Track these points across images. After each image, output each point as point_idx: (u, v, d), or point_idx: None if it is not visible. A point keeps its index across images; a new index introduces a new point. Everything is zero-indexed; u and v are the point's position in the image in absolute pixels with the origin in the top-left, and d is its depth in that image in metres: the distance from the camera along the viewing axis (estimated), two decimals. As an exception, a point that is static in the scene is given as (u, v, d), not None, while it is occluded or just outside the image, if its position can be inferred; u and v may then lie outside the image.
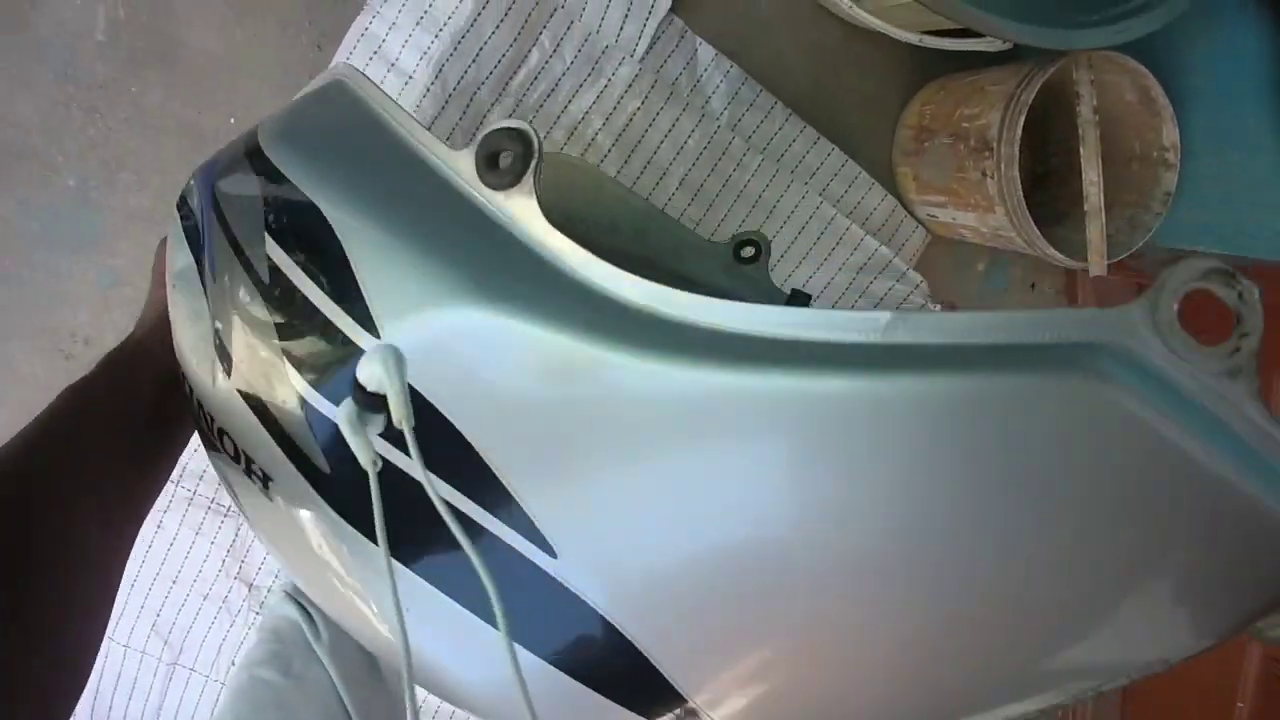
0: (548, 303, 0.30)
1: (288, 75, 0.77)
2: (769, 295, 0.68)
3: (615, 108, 0.77)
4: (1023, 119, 0.69)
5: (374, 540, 0.32)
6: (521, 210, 0.33)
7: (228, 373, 0.38)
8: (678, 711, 0.36)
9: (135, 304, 0.82)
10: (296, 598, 0.67)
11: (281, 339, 0.35)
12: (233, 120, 0.77)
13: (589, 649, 0.35)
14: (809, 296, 0.66)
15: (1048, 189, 0.87)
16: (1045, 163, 0.89)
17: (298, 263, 0.35)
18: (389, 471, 0.33)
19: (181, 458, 0.81)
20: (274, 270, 0.35)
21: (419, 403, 0.32)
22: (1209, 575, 0.28)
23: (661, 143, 0.79)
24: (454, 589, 0.36)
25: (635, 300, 0.30)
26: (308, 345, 0.35)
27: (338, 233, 0.33)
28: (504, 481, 0.33)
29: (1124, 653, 0.30)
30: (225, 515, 0.81)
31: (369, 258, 0.33)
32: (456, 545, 0.31)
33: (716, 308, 0.29)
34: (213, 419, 0.41)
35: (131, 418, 0.47)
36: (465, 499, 0.33)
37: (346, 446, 0.32)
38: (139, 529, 0.48)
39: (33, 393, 0.83)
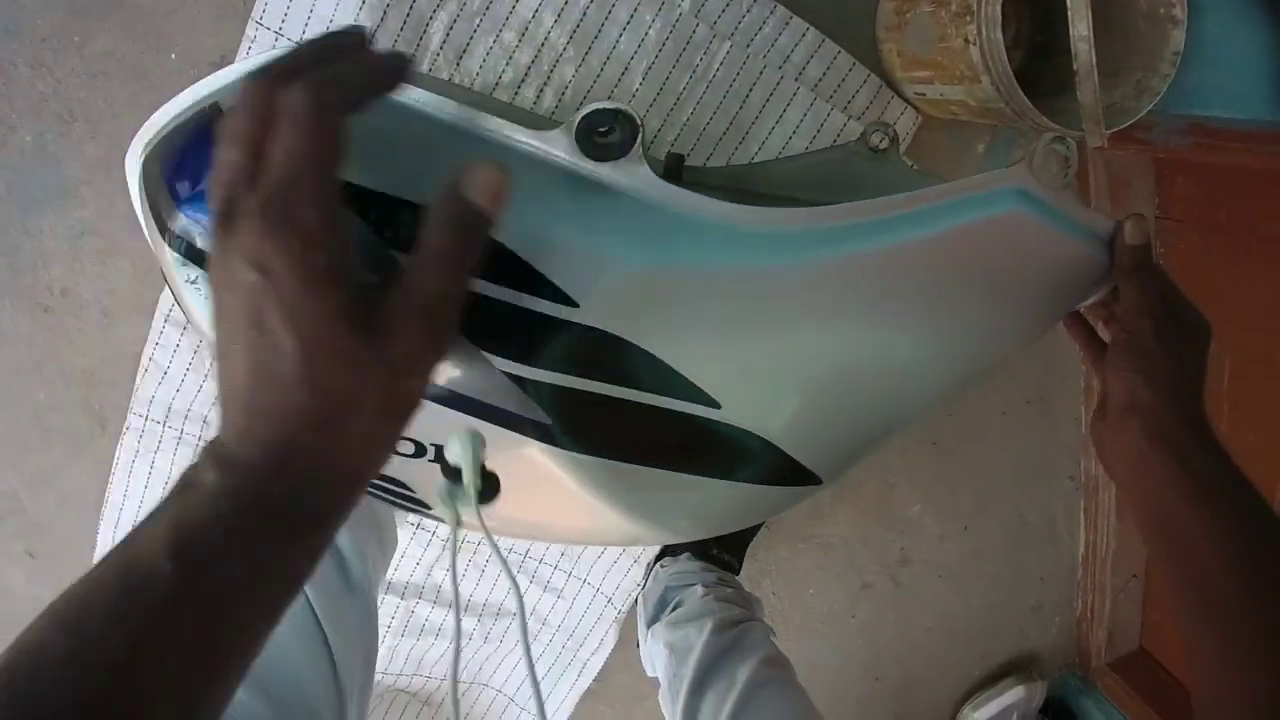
0: (685, 240, 0.41)
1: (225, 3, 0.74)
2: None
3: (567, 2, 0.72)
4: (1005, -25, 0.63)
5: (600, 455, 0.47)
6: (633, 174, 0.40)
7: None
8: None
9: (105, 251, 0.82)
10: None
11: (466, 333, 0.41)
12: (173, 56, 0.75)
13: (738, 456, 0.50)
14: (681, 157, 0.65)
15: (1050, 58, 0.80)
16: (1048, 29, 0.81)
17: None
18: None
19: (164, 397, 0.82)
20: None
21: (607, 338, 0.42)
22: (1053, 297, 0.50)
23: (620, 35, 0.74)
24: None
25: (744, 222, 0.42)
26: (494, 331, 0.41)
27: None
28: (677, 368, 0.45)
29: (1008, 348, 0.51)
30: (218, 455, 0.82)
31: (532, 248, 0.39)
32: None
33: (796, 214, 0.43)
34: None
35: None
36: (644, 393, 0.45)
37: (565, 397, 0.43)
38: None
39: (22, 350, 0.83)
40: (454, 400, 0.42)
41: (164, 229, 0.41)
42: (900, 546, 1.10)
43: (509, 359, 0.41)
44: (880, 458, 1.04)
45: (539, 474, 0.47)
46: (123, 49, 0.75)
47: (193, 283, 0.43)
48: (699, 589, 0.87)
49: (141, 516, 0.85)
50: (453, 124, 0.39)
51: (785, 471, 0.51)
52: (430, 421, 0.41)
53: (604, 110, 0.39)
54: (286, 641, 0.61)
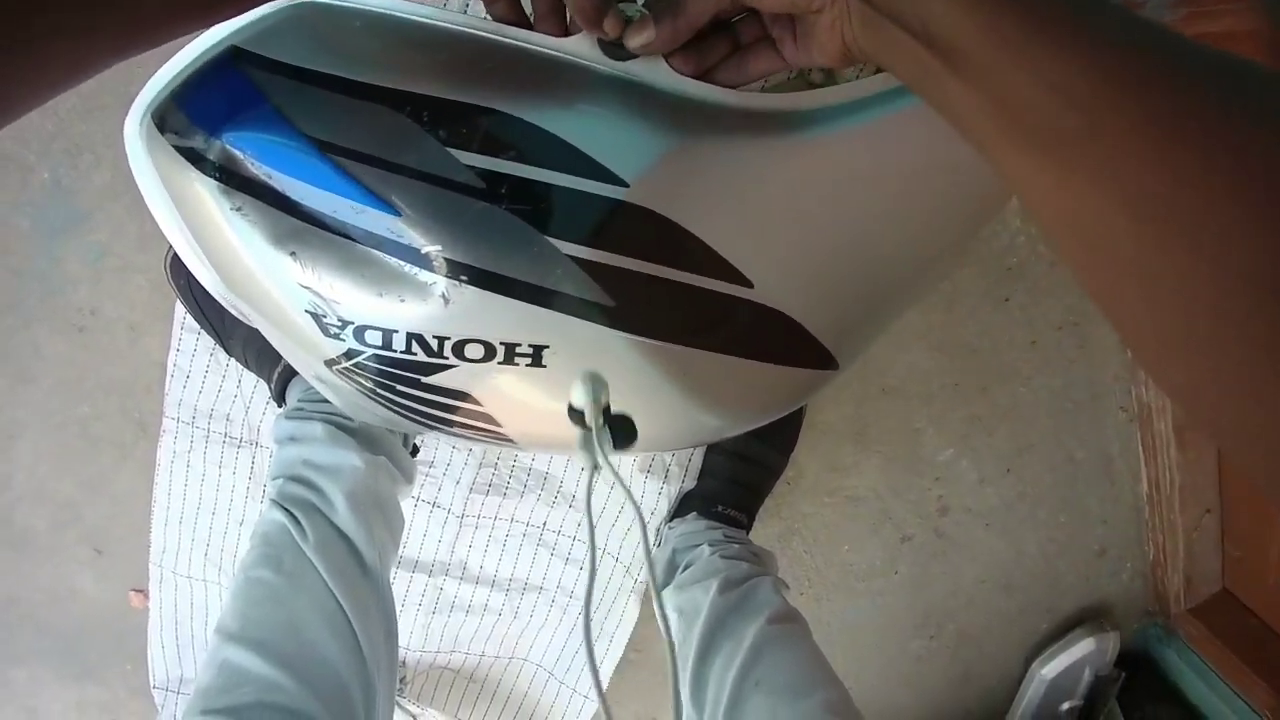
0: (705, 121, 0.46)
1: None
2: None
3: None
4: None
5: (653, 337, 0.50)
6: (653, 68, 0.45)
7: (470, 283, 0.46)
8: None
9: (122, 270, 0.88)
10: (283, 503, 0.70)
11: (535, 223, 0.45)
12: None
13: (770, 337, 0.54)
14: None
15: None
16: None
17: (511, 158, 0.44)
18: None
19: (190, 399, 0.87)
20: (486, 174, 0.44)
21: (654, 218, 0.46)
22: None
23: None
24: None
25: (760, 105, 0.47)
26: (560, 213, 0.45)
27: (540, 124, 0.44)
28: (714, 247, 0.48)
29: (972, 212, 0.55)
30: (239, 446, 0.89)
31: (581, 133, 0.44)
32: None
33: (803, 98, 0.48)
34: (443, 340, 0.48)
35: None
36: (689, 274, 0.49)
37: (624, 279, 0.47)
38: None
39: (64, 368, 0.90)
40: (524, 289, 0.47)
41: (199, 163, 0.44)
42: (937, 495, 1.06)
43: (572, 242, 0.45)
44: (901, 403, 1.00)
45: (600, 362, 0.51)
46: (115, 81, 0.80)
47: (238, 209, 0.45)
48: (705, 549, 0.86)
49: (185, 513, 0.89)
50: (495, 41, 0.45)
51: (810, 352, 0.56)
52: (502, 317, 0.47)
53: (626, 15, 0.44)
54: (312, 625, 0.66)
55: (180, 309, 0.91)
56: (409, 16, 0.45)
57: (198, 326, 0.90)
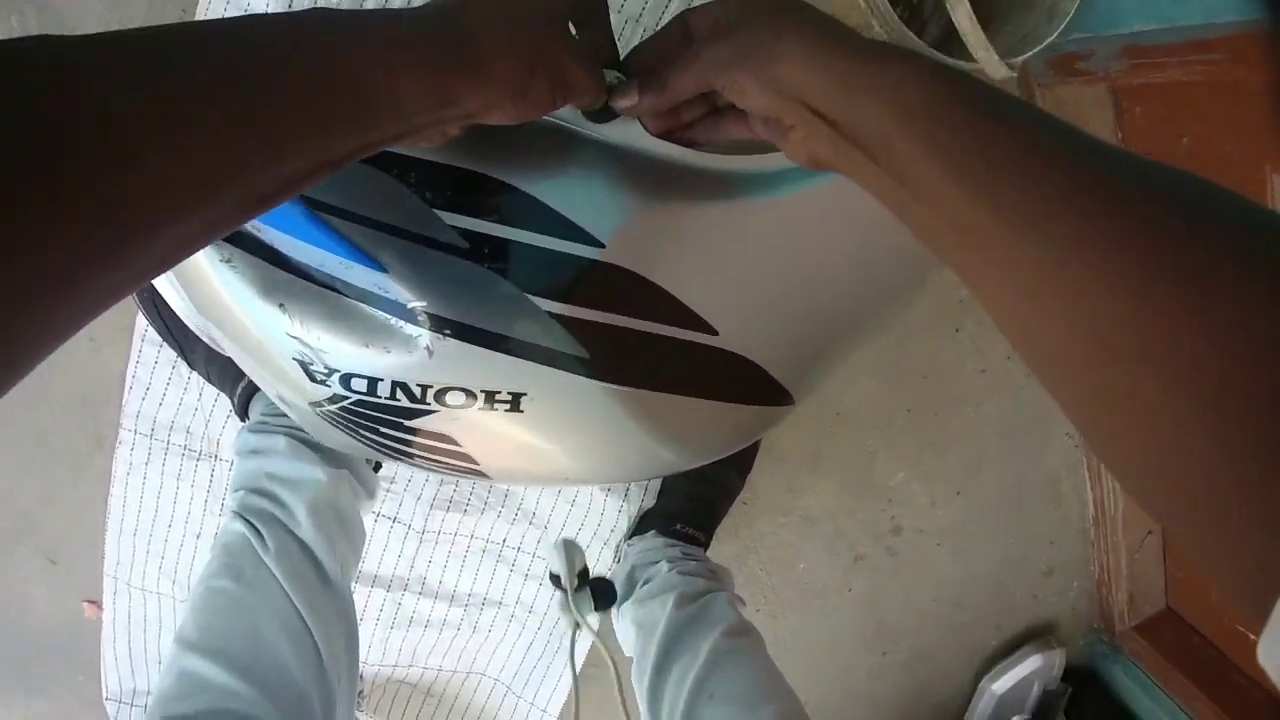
0: (685, 185, 0.48)
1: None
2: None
3: None
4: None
5: (625, 384, 0.53)
6: (628, 130, 0.47)
7: (453, 336, 0.48)
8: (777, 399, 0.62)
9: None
10: (244, 515, 0.71)
11: (516, 280, 0.47)
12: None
13: (732, 379, 0.57)
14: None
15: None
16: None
17: (494, 220, 0.46)
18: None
19: (149, 411, 0.87)
20: (469, 234, 0.46)
21: (627, 275, 0.49)
22: None
23: None
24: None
25: (730, 167, 0.50)
26: (539, 272, 0.47)
27: (521, 187, 0.46)
28: (682, 300, 0.51)
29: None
30: (198, 459, 0.89)
31: (560, 196, 0.46)
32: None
33: (768, 161, 0.50)
34: (426, 387, 0.50)
35: None
36: (658, 324, 0.51)
37: (598, 331, 0.50)
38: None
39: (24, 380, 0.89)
40: (505, 342, 0.49)
41: None
42: (890, 515, 1.09)
43: (551, 299, 0.48)
44: (855, 428, 1.02)
45: (574, 407, 0.54)
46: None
47: (227, 261, 0.48)
48: (664, 565, 0.88)
49: (140, 525, 0.87)
50: None
51: (768, 391, 0.59)
52: (483, 367, 0.49)
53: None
54: (273, 635, 0.67)
55: (141, 321, 0.90)
56: None
57: (159, 339, 0.89)
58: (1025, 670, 1.20)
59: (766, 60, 0.37)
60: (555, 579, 0.45)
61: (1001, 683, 1.21)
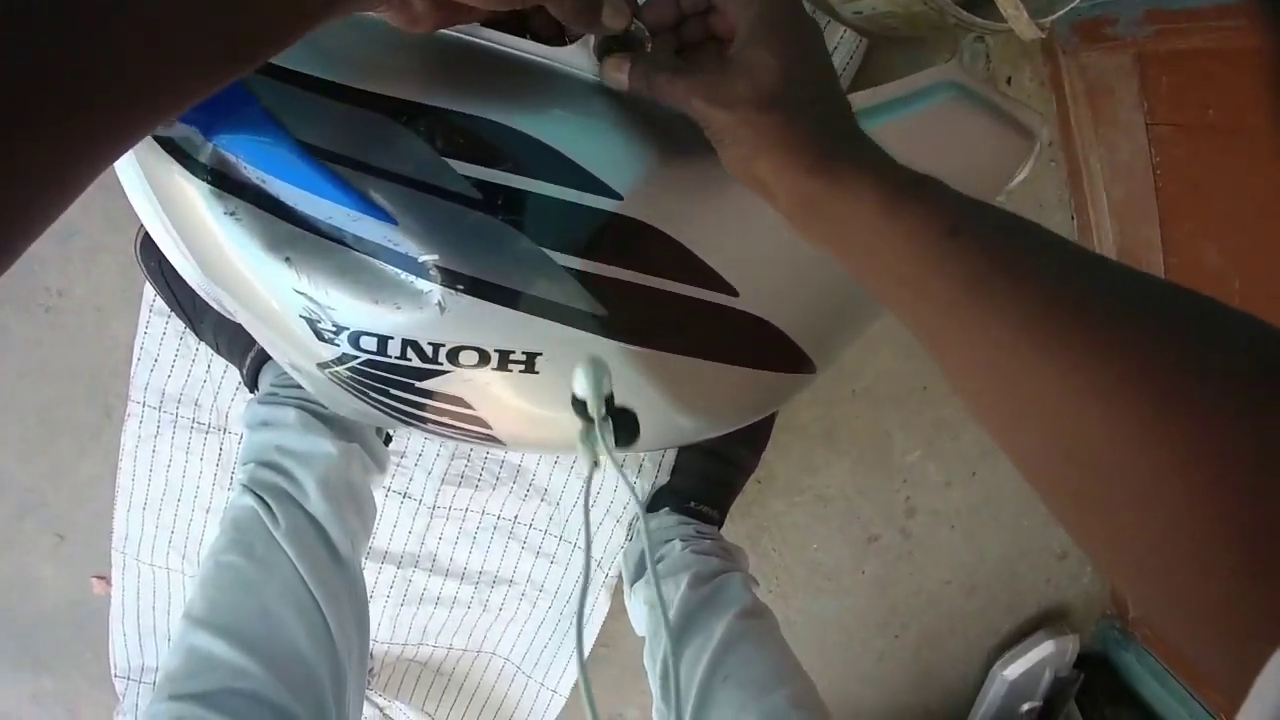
0: (696, 134, 0.42)
1: None
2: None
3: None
4: None
5: (645, 345, 0.51)
6: None
7: (466, 291, 0.46)
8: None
9: (91, 250, 0.86)
10: (254, 489, 0.69)
11: (530, 233, 0.45)
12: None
13: (753, 343, 0.55)
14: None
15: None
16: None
17: (507, 169, 0.44)
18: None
19: (157, 383, 0.85)
20: (482, 184, 0.44)
21: (646, 229, 0.47)
22: (984, 178, 0.59)
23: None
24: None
25: None
26: (555, 225, 0.45)
27: (535, 135, 0.44)
28: (703, 257, 0.49)
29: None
30: (207, 432, 0.88)
31: (576, 145, 0.44)
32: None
33: None
34: (438, 346, 0.48)
35: None
36: (678, 283, 0.50)
37: (616, 288, 0.48)
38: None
39: (28, 352, 0.88)
40: (519, 298, 0.47)
41: (189, 164, 0.44)
42: (905, 496, 1.07)
43: (567, 254, 0.46)
44: (871, 406, 1.01)
45: None
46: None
47: (232, 214, 0.45)
48: (677, 544, 0.87)
49: (150, 499, 0.85)
50: (492, 49, 0.45)
51: (789, 356, 0.58)
52: (497, 324, 0.47)
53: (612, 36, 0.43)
54: (283, 612, 0.66)
55: (149, 291, 0.89)
56: None
57: (167, 309, 0.88)
58: (1037, 656, 1.19)
59: (749, 155, 0.38)
60: (580, 404, 0.41)
61: (1013, 668, 1.19)
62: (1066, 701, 1.23)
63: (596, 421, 0.40)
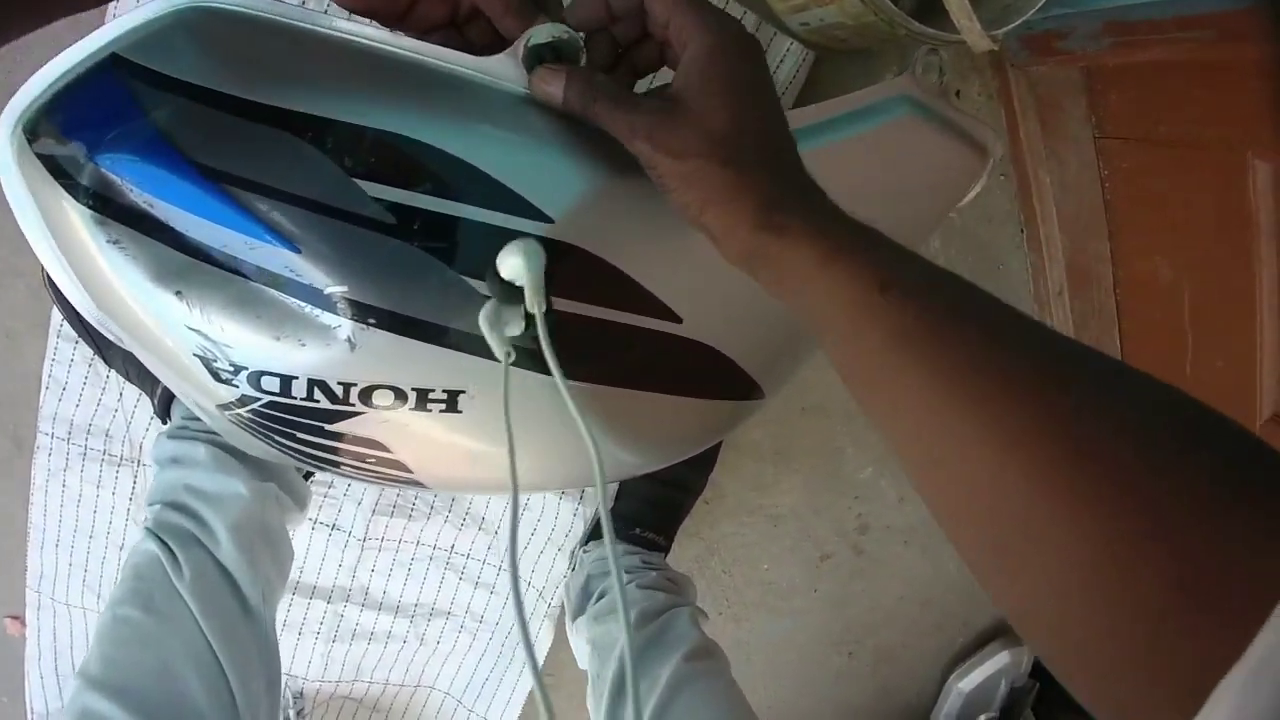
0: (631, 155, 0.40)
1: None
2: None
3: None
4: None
5: (580, 379, 0.46)
6: None
7: (379, 326, 0.41)
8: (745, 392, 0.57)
9: (1, 273, 0.80)
10: (159, 533, 0.64)
11: (450, 262, 0.41)
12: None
13: (698, 371, 0.52)
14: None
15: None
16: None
17: (425, 191, 0.39)
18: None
19: (65, 413, 0.80)
20: (397, 208, 0.39)
21: (581, 254, 0.43)
22: (937, 195, 0.58)
23: None
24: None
25: None
26: (478, 252, 0.41)
27: (457, 154, 0.39)
28: (643, 284, 0.46)
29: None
30: (119, 464, 0.82)
31: (502, 164, 0.40)
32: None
33: None
34: (349, 386, 0.44)
35: None
36: (615, 310, 0.46)
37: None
38: None
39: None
40: (438, 333, 0.43)
41: (72, 187, 0.40)
42: (857, 514, 1.05)
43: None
44: (822, 422, 0.98)
45: (520, 407, 0.47)
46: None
47: (115, 242, 0.41)
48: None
49: (62, 536, 0.79)
50: (409, 59, 0.41)
51: (737, 384, 0.55)
52: (414, 361, 0.43)
53: (545, 43, 0.40)
54: (183, 671, 0.61)
55: (57, 315, 0.83)
56: (312, 27, 0.40)
57: (75, 335, 0.83)
58: (993, 668, 1.17)
59: (695, 205, 0.36)
60: (506, 290, 0.39)
61: (969, 680, 1.18)
62: (1022, 711, 1.22)
63: (539, 316, 0.39)
